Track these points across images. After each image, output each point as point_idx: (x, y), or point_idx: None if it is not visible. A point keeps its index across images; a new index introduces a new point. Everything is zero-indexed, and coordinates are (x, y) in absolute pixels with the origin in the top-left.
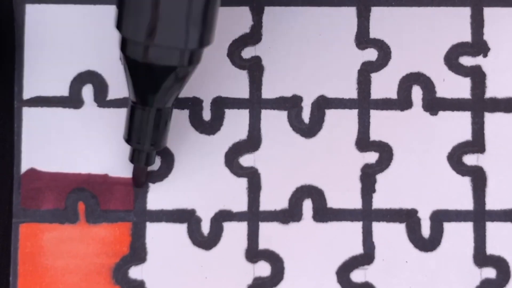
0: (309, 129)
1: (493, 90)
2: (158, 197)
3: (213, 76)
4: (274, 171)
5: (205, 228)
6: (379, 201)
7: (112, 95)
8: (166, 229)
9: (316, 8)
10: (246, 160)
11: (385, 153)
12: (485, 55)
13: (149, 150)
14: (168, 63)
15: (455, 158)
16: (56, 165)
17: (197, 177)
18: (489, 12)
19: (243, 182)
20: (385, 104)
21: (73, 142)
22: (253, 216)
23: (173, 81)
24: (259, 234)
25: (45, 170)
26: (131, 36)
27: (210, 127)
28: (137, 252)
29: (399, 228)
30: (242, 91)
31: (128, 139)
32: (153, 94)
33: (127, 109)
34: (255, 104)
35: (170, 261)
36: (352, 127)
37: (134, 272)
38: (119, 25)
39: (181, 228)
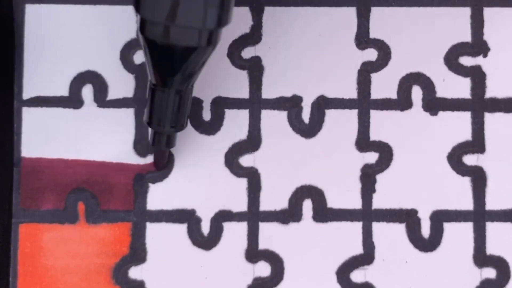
0: (309, 129)
1: (493, 90)
2: (158, 197)
3: (213, 76)
4: (274, 171)
5: (205, 228)
6: (379, 201)
7: (112, 95)
8: (166, 229)
9: (316, 8)
10: (246, 160)
11: (385, 153)
12: (485, 55)
13: (169, 132)
14: (187, 43)
15: (455, 158)
16: (56, 165)
17: (197, 177)
18: (489, 12)
19: (243, 182)
20: (385, 104)
21: (73, 142)
22: (253, 216)
23: (193, 62)
24: (259, 234)
25: (45, 170)
26: (151, 17)
27: (210, 127)
28: (137, 252)
29: (399, 228)
30: (242, 91)
31: (149, 122)
32: (172, 75)
33: (147, 90)
34: (255, 104)
35: (170, 261)
36: (352, 127)
37: (134, 272)
38: (137, 7)
39: (181, 228)
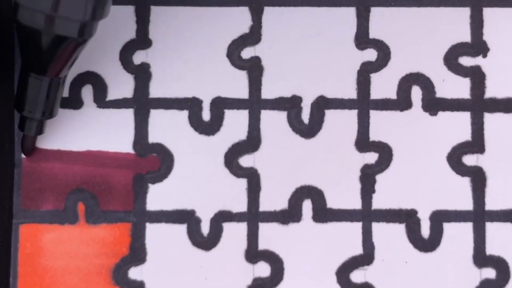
0: (309, 130)
1: (492, 91)
2: (157, 197)
3: (213, 76)
4: (273, 171)
5: (205, 228)
6: (379, 202)
7: (111, 95)
8: (165, 229)
9: (316, 9)
10: (245, 161)
11: (385, 153)
12: (484, 56)
13: (40, 119)
14: (60, 33)
15: (454, 159)
16: (56, 166)
17: (197, 177)
18: (488, 13)
19: (242, 182)
20: (384, 105)
21: (72, 143)
22: (253, 216)
23: (65, 52)
24: (258, 234)
25: (45, 171)
26: (25, 3)
27: (210, 128)
28: (136, 253)
29: (399, 229)
30: (242, 91)
31: (20, 108)
32: (46, 63)
33: (19, 77)
34: (254, 104)
35: (170, 261)
36: (351, 127)
37: (134, 273)
38: None
39: (181, 229)
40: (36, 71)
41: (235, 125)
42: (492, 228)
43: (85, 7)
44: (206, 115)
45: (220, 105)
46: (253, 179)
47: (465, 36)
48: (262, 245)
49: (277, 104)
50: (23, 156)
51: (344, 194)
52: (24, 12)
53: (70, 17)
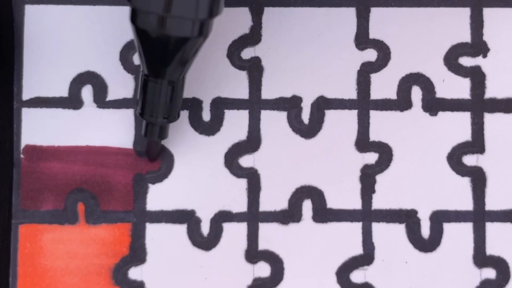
0: (309, 130)
1: (492, 91)
2: (157, 197)
3: (213, 76)
4: (273, 171)
5: (205, 228)
6: (379, 202)
7: (111, 95)
8: (165, 229)
9: (316, 9)
10: (245, 161)
11: (385, 153)
12: (484, 56)
13: (162, 123)
14: (180, 34)
15: (454, 159)
16: (56, 166)
17: (197, 177)
18: (488, 13)
19: (242, 182)
20: (384, 105)
21: (72, 143)
22: (253, 216)
23: (185, 52)
24: (259, 234)
25: (45, 171)
26: (143, 7)
27: (210, 128)
28: (137, 253)
29: (399, 229)
30: (242, 91)
31: (141, 113)
32: (165, 66)
33: (140, 82)
34: (254, 104)
35: (170, 261)
36: (351, 127)
37: (134, 273)
38: None
39: (181, 229)
40: (155, 75)
41: (235, 125)
42: (492, 228)
43: (200, 4)
44: (206, 116)
45: (220, 105)
46: (253, 179)
47: (465, 36)
48: (262, 245)
49: (277, 104)
50: (22, 156)
51: (344, 194)
52: (140, 16)
53: (185, 16)
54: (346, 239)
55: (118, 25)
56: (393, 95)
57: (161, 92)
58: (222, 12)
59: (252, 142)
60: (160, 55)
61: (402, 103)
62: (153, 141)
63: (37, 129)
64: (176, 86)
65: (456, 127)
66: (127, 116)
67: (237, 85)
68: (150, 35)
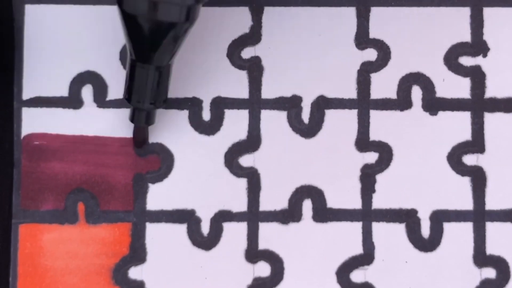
0: (309, 129)
1: (492, 90)
2: (157, 197)
3: (213, 76)
4: (273, 171)
5: (205, 228)
6: (379, 201)
7: (111, 95)
8: (165, 229)
9: (316, 8)
10: (245, 160)
11: (385, 153)
12: (484, 55)
13: (149, 108)
14: (167, 19)
15: (455, 158)
16: (56, 166)
17: (197, 177)
18: (488, 12)
19: (242, 182)
20: (384, 104)
21: (72, 143)
22: (253, 216)
23: (172, 38)
24: (259, 234)
25: (45, 171)
26: None
27: (210, 128)
28: (137, 253)
29: (399, 228)
30: (242, 91)
31: (128, 98)
32: (152, 51)
33: (126, 67)
34: (254, 104)
35: (170, 261)
36: (351, 127)
37: (134, 273)
38: None
39: (181, 229)
40: (142, 60)
41: (235, 125)
42: (492, 228)
43: None
44: (206, 115)
45: (220, 105)
46: (253, 178)
47: (465, 36)
48: (262, 245)
49: (277, 104)
50: (22, 155)
51: (344, 194)
52: (128, 0)
53: (173, 1)
54: (346, 238)
55: (118, 25)
56: (393, 95)
57: (148, 78)
58: None
59: (252, 142)
60: (148, 40)
61: (402, 102)
62: (140, 127)
63: (37, 129)
64: (163, 72)
65: (456, 126)
66: (127, 116)
67: (237, 85)
68: (138, 19)
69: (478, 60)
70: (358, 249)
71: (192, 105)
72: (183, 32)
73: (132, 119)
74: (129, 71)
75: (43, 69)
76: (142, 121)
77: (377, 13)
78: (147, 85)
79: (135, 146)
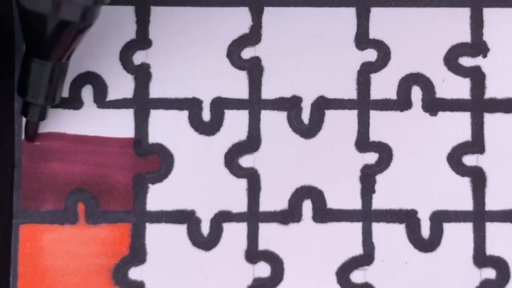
0: (309, 130)
1: (492, 91)
2: (158, 197)
3: (213, 76)
4: (273, 171)
5: (205, 229)
6: (379, 202)
7: (111, 96)
8: (165, 230)
9: (316, 9)
10: (245, 161)
11: (385, 153)
12: (484, 56)
13: (42, 104)
14: (65, 17)
15: (454, 159)
16: (56, 166)
17: (197, 177)
18: (488, 13)
19: (242, 182)
20: (384, 105)
21: (72, 143)
22: (253, 216)
23: (70, 37)
24: (258, 234)
25: (45, 171)
26: None
27: (210, 128)
28: (137, 253)
29: (399, 229)
30: (242, 91)
31: (23, 93)
32: (49, 49)
33: (21, 62)
34: (254, 104)
35: (170, 262)
36: (351, 127)
37: (134, 273)
38: None
39: (181, 229)
40: (39, 56)
41: (235, 125)
42: (492, 228)
43: None
44: (206, 115)
45: (220, 105)
46: (253, 179)
47: (465, 36)
48: (262, 245)
49: (277, 104)
50: (23, 155)
51: (344, 194)
52: None
53: (73, 1)
54: (346, 239)
55: (118, 25)
56: (393, 95)
57: (43, 74)
58: (108, 1)
59: (252, 142)
60: (46, 38)
61: (402, 103)
62: (32, 122)
63: (37, 129)
64: (60, 69)
65: (456, 127)
66: (127, 116)
67: (237, 85)
68: (37, 16)
69: (478, 61)
70: (358, 250)
71: (192, 105)
72: (81, 31)
73: (25, 114)
74: (24, 66)
75: None
76: (35, 116)
77: (377, 14)
78: (42, 82)
79: (27, 140)
